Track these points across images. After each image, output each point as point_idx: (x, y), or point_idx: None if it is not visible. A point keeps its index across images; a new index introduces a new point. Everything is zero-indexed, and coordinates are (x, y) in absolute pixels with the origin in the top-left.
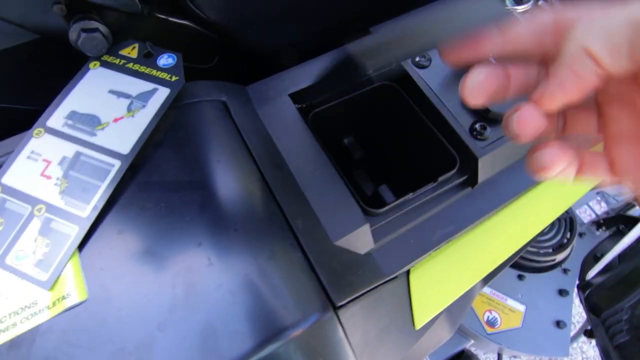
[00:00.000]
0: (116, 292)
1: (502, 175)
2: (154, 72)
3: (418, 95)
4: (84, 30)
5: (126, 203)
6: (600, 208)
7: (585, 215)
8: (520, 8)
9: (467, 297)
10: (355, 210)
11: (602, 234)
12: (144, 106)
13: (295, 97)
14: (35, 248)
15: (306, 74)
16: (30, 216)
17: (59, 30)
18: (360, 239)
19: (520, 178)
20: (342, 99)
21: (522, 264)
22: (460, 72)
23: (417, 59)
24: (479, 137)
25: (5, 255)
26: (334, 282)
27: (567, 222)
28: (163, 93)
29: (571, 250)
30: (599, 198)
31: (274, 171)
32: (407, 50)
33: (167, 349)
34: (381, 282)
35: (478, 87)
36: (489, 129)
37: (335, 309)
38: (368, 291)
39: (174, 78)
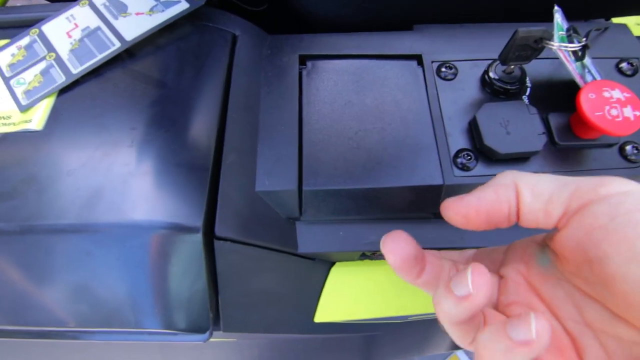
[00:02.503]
0: (59, 135)
1: None
2: None
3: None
4: None
5: (107, 76)
6: None
7: None
8: (571, 46)
9: (414, 341)
10: (293, 173)
11: None
12: (162, 11)
13: (304, 59)
14: (31, 80)
15: (328, 43)
16: (43, 58)
17: None
18: (285, 202)
19: (500, 235)
20: None
21: None
22: (480, 99)
23: (443, 69)
24: (460, 165)
25: (13, 78)
26: (230, 217)
27: None
28: (182, 6)
29: None
30: None
31: (241, 110)
32: None
33: (63, 190)
34: (289, 251)
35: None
36: (474, 162)
37: (213, 237)
38: (267, 248)
39: None
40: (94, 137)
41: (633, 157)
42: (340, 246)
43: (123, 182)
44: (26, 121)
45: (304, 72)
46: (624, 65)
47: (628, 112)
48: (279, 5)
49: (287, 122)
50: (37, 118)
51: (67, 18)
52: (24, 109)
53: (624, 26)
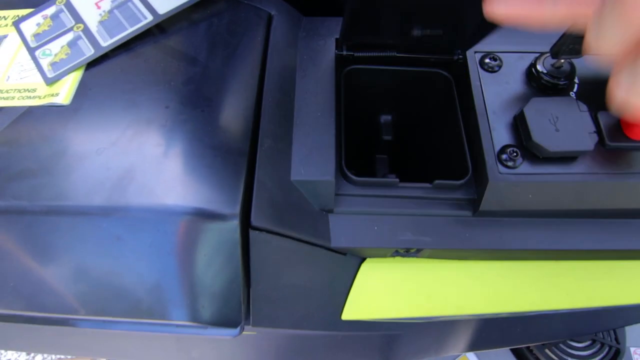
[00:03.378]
0: (87, 111)
1: (522, 223)
2: None
3: (467, 96)
4: None
5: (138, 50)
6: None
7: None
8: None
9: (432, 342)
10: (330, 163)
11: None
12: None
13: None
14: (58, 52)
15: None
16: (70, 29)
17: None
18: (320, 193)
19: (542, 237)
20: (389, 68)
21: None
22: (527, 94)
23: (487, 60)
24: (505, 162)
25: (38, 48)
26: (265, 206)
27: (610, 350)
28: None
29: None
30: None
31: (277, 92)
32: None
33: (93, 169)
34: (321, 244)
35: None
36: (521, 160)
37: (249, 226)
38: (300, 241)
39: None
40: (125, 114)
41: None
42: (374, 242)
43: (156, 163)
44: (52, 95)
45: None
46: None
47: None
48: None
49: (323, 108)
50: (64, 92)
51: None
52: (50, 81)
53: None
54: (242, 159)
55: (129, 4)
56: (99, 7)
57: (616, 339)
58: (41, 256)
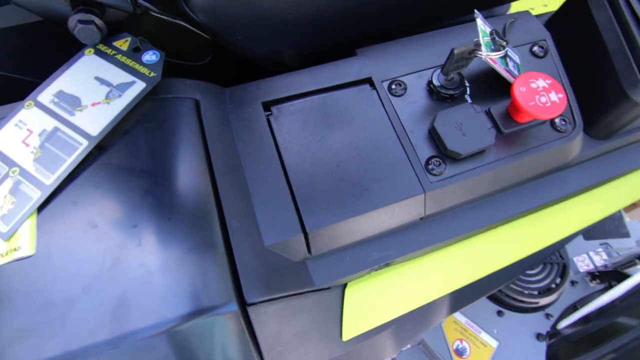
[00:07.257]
0: (57, 253)
1: (460, 212)
2: (136, 66)
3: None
4: (81, 21)
5: (84, 179)
6: (599, 260)
7: (582, 265)
8: (495, 54)
9: (421, 322)
10: (293, 219)
11: (596, 286)
12: (120, 95)
13: (267, 105)
14: (3, 204)
15: (284, 85)
16: (6, 176)
17: (63, 17)
18: (294, 247)
19: (472, 218)
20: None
21: (503, 300)
22: (432, 107)
23: (393, 86)
24: (432, 171)
25: None
26: (253, 281)
27: (559, 267)
28: (139, 87)
29: (558, 296)
30: (600, 249)
31: (227, 173)
32: None
33: (86, 308)
34: (308, 289)
35: None
36: (444, 166)
37: (246, 305)
38: (290, 295)
39: (152, 74)
40: (96, 244)
41: (563, 128)
42: (350, 270)
43: (145, 282)
44: (15, 249)
45: (272, 119)
46: (536, 48)
47: (553, 96)
48: (224, 55)
49: (272, 172)
50: (25, 242)
51: (16, 125)
52: (6, 237)
53: (528, 13)
54: (220, 249)
55: (58, 133)
56: (27, 145)
57: (561, 256)
58: None
